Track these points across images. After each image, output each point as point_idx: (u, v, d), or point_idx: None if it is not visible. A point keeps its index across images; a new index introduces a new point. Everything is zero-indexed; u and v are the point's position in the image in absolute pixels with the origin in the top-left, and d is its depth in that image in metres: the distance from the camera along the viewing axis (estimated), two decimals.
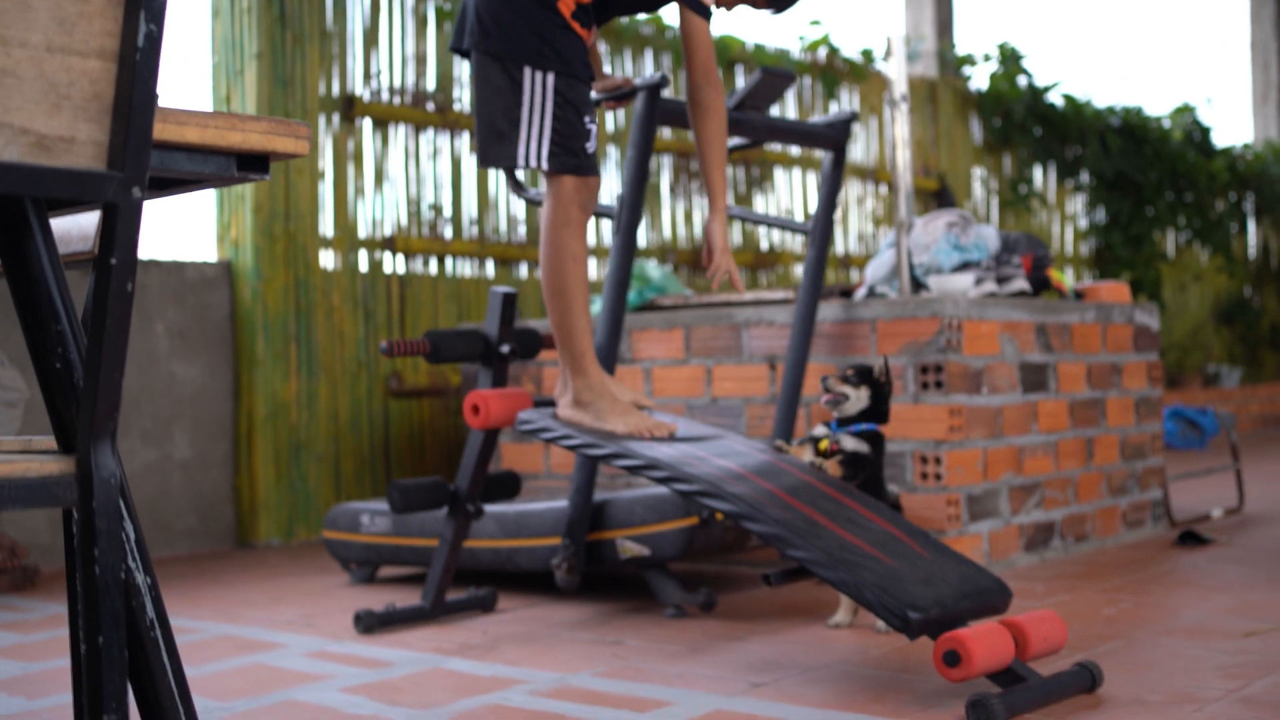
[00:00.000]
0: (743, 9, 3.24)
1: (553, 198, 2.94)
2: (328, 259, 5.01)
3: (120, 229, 1.26)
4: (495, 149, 2.93)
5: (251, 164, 1.44)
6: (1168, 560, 3.95)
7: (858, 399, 2.98)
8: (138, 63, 1.24)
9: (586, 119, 2.93)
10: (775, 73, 3.37)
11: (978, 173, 8.48)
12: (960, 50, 8.41)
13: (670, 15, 6.32)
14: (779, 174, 6.92)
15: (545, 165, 2.90)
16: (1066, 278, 4.29)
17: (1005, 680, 2.33)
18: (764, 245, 6.82)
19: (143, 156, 1.26)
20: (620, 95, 3.26)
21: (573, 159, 2.92)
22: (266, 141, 1.42)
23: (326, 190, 5.00)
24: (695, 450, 2.81)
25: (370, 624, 3.13)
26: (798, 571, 2.67)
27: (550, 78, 2.87)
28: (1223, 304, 11.11)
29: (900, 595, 2.34)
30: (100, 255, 1.28)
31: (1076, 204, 9.43)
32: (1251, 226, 11.69)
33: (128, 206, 1.26)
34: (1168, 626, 2.98)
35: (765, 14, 3.25)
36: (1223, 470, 5.21)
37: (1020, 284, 4.03)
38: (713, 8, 3.02)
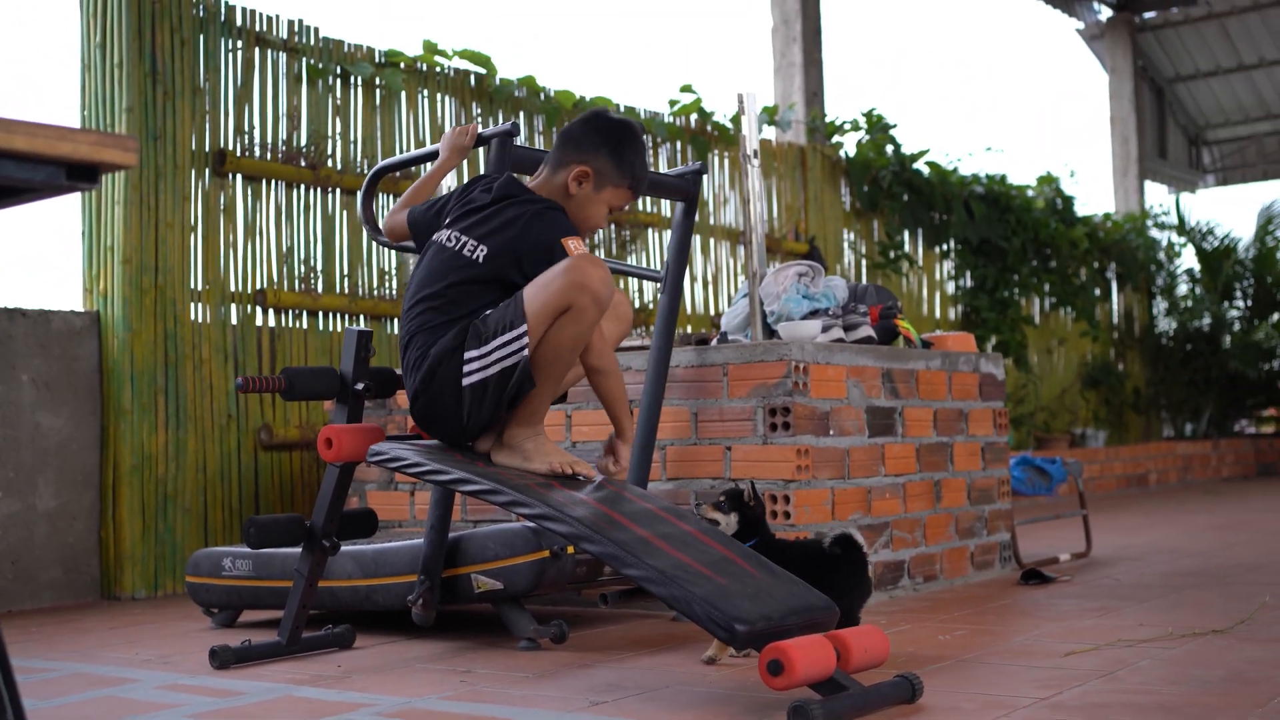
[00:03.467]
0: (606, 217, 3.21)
1: None
2: (197, 312, 5.04)
3: None
4: None
5: (81, 174, 1.53)
6: (1009, 596, 4.12)
7: (728, 524, 3.12)
8: None
9: None
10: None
11: (848, 237, 8.74)
12: (829, 118, 8.70)
13: (545, 79, 6.49)
14: (650, 235, 7.09)
15: None
16: (914, 329, 4.49)
17: (828, 689, 2.45)
18: (637, 303, 6.97)
19: None
20: (478, 142, 3.39)
21: None
22: (95, 152, 1.51)
23: (197, 244, 5.05)
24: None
25: (225, 659, 3.16)
26: (635, 591, 2.77)
27: None
28: (1088, 368, 11.50)
29: (728, 610, 2.45)
30: None
31: (944, 269, 9.74)
32: (1114, 293, 12.15)
33: None
34: (995, 649, 3.13)
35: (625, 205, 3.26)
36: (1071, 516, 5.42)
37: (866, 331, 4.20)
38: (582, 244, 3.01)
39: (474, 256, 3.00)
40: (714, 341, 4.29)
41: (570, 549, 3.34)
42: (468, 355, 2.90)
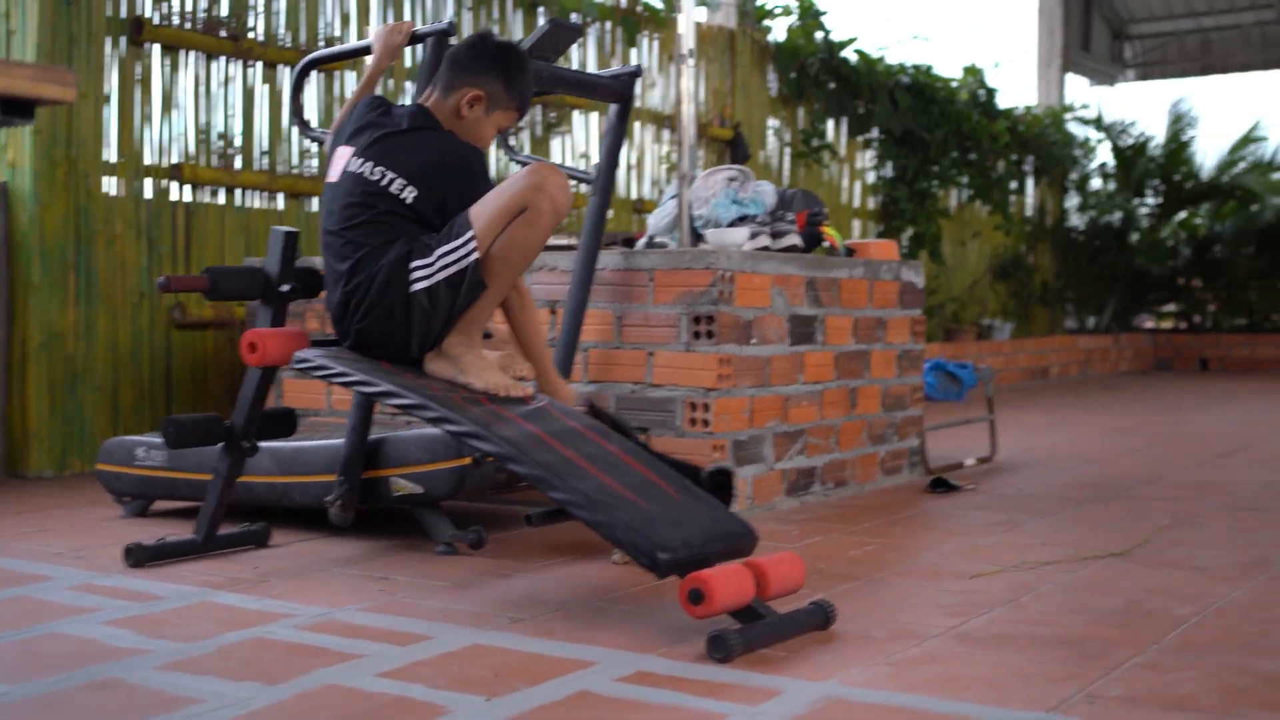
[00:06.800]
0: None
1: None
2: (111, 185, 4.92)
3: None
4: None
5: (16, 109, 1.47)
6: (917, 505, 4.22)
7: None
8: None
9: None
10: (563, 25, 3.46)
11: (772, 124, 8.70)
12: (760, 1, 8.60)
13: None
14: (576, 117, 7.00)
15: None
16: (839, 235, 4.50)
17: (745, 617, 2.50)
18: None
19: None
20: (412, 40, 3.33)
21: None
22: (32, 88, 1.45)
23: (111, 115, 4.90)
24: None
25: (140, 557, 3.15)
26: (558, 512, 2.80)
27: None
28: (999, 260, 11.64)
29: (651, 536, 2.48)
30: None
31: (866, 159, 9.75)
32: (1030, 187, 12.26)
33: None
34: (905, 569, 3.21)
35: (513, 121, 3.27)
36: (979, 421, 5.53)
37: (793, 239, 4.21)
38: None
39: (401, 196, 3.01)
40: (640, 243, 4.28)
41: (490, 458, 3.34)
42: (413, 264, 2.95)
